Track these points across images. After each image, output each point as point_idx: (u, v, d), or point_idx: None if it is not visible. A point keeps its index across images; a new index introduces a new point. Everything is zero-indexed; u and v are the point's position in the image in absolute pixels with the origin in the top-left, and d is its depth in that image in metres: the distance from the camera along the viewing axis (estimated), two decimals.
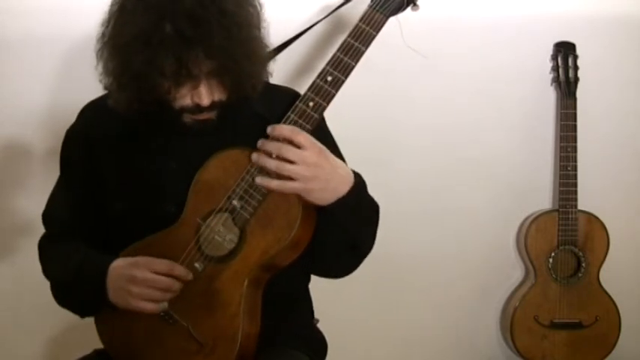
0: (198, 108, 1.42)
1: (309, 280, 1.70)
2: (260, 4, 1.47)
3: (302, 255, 1.46)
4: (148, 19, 1.33)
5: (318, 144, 1.41)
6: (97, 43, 1.43)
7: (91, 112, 1.61)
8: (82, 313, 1.58)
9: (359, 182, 1.46)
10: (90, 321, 1.56)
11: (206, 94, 1.40)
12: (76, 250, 1.55)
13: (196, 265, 1.44)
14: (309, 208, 1.43)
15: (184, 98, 1.41)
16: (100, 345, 1.57)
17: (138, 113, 1.45)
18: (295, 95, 1.53)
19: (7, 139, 2.17)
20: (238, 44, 1.38)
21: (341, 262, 1.54)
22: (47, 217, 1.64)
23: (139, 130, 1.51)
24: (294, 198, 1.41)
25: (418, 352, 2.44)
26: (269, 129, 1.41)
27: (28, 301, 2.20)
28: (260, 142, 1.41)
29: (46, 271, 1.62)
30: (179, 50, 1.33)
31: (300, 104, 1.42)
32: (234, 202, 1.42)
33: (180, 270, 1.43)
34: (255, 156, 1.41)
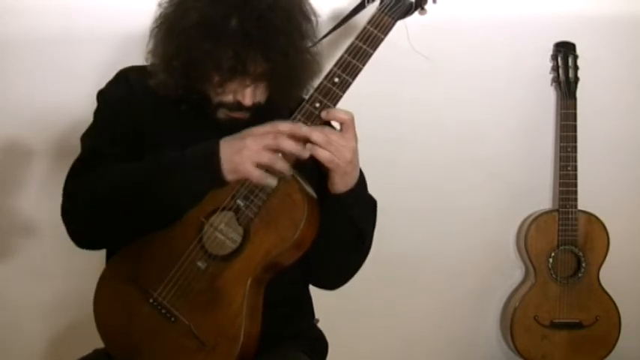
0: (237, 106, 1.43)
1: (308, 283, 1.70)
2: (316, 19, 1.48)
3: (305, 255, 1.46)
4: (215, 9, 1.34)
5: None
6: (154, 22, 1.43)
7: (134, 76, 1.56)
8: (157, 222, 1.46)
9: (362, 175, 1.50)
10: (90, 321, 1.55)
11: (250, 95, 1.42)
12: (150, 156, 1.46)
13: (199, 263, 1.44)
14: (314, 207, 1.43)
15: (227, 94, 1.42)
16: (100, 345, 1.57)
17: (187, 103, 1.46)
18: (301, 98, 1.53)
19: (7, 139, 2.16)
20: (297, 54, 1.40)
21: (349, 256, 1.55)
22: (92, 152, 1.52)
23: (174, 112, 1.51)
24: (298, 197, 1.41)
25: (418, 351, 2.44)
26: (323, 113, 1.41)
27: (28, 301, 2.20)
28: (306, 129, 1.39)
29: (113, 182, 1.45)
30: (240, 47, 1.34)
31: (307, 105, 1.42)
32: (239, 202, 1.42)
33: (283, 125, 1.36)
34: (306, 129, 1.38)
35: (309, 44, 1.46)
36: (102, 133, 1.55)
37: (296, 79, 1.45)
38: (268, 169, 1.35)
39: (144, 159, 1.46)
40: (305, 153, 1.36)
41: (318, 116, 1.41)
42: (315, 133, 1.39)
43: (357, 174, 1.46)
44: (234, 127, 1.45)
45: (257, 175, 1.34)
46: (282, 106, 1.47)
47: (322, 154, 1.40)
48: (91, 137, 1.56)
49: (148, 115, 1.53)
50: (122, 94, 1.54)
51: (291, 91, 1.46)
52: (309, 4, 1.47)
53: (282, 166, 1.35)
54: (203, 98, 1.44)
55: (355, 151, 1.42)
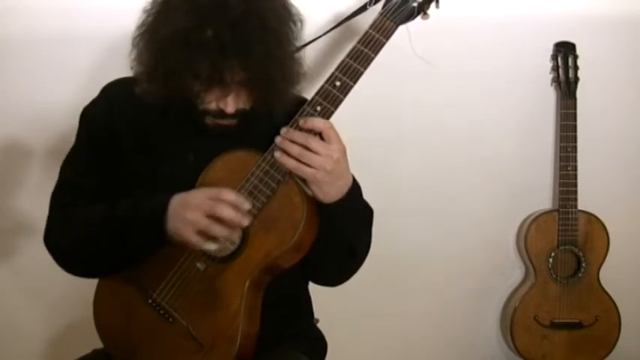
0: (221, 114, 1.43)
1: (308, 280, 1.71)
2: (301, 22, 1.47)
3: (304, 258, 1.46)
4: (191, 19, 1.33)
5: (343, 142, 1.42)
6: (136, 30, 1.43)
7: (116, 90, 1.58)
8: (123, 264, 1.52)
9: (356, 184, 1.49)
10: (90, 321, 1.56)
11: (232, 102, 1.42)
12: (111, 202, 1.51)
13: (198, 264, 1.44)
14: (313, 210, 1.43)
15: (210, 102, 1.42)
16: (99, 345, 1.57)
17: (173, 111, 1.45)
18: (301, 98, 1.53)
19: (7, 139, 2.16)
20: (275, 61, 1.39)
21: (339, 266, 1.55)
22: (69, 185, 1.59)
23: (164, 117, 1.50)
24: (298, 200, 1.41)
25: (418, 351, 2.44)
26: (301, 121, 1.41)
27: (28, 301, 2.20)
28: (284, 130, 1.41)
29: (69, 229, 1.54)
30: (215, 57, 1.33)
31: (308, 108, 1.43)
32: None
33: (228, 194, 1.38)
34: (279, 139, 1.41)
35: (292, 48, 1.45)
36: (78, 162, 1.59)
37: (277, 84, 1.43)
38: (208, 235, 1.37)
39: (107, 205, 1.50)
40: (244, 221, 1.38)
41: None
42: (284, 142, 1.40)
43: (343, 184, 1.44)
44: (222, 133, 1.46)
45: (195, 241, 1.37)
46: (270, 110, 1.46)
47: (287, 163, 1.40)
48: (68, 167, 1.60)
49: (136, 124, 1.53)
50: (101, 113, 1.56)
51: (274, 96, 1.44)
52: (291, 8, 1.45)
53: (219, 231, 1.37)
54: (189, 106, 1.44)
55: (337, 162, 1.40)
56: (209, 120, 1.45)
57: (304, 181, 1.43)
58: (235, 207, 1.37)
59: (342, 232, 1.47)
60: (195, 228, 1.36)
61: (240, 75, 1.38)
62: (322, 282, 1.63)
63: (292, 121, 1.43)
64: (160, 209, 1.41)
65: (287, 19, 1.43)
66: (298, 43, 1.47)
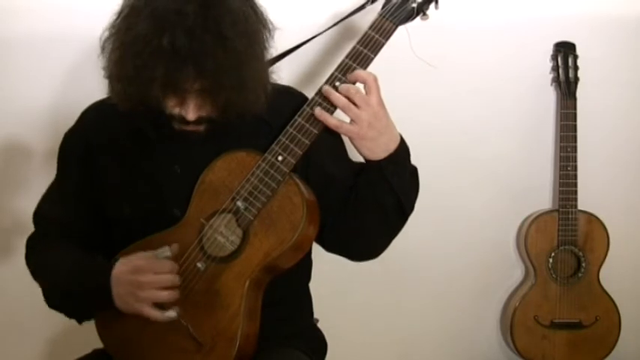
0: (183, 120, 1.41)
1: (309, 279, 1.71)
2: (272, 27, 1.46)
3: (304, 258, 1.47)
4: (149, 26, 1.32)
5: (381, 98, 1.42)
6: (104, 32, 1.43)
7: (92, 115, 1.61)
8: (79, 319, 1.58)
9: (404, 143, 1.48)
10: (90, 321, 1.57)
11: (193, 110, 1.40)
12: (67, 255, 1.55)
13: (198, 264, 1.45)
14: (313, 210, 1.43)
15: (173, 108, 1.41)
16: (99, 345, 1.57)
17: (141, 116, 1.45)
18: (300, 97, 1.53)
19: (7, 139, 2.16)
20: (233, 70, 1.36)
21: (387, 226, 1.54)
22: (39, 216, 1.64)
23: (142, 134, 1.50)
24: (298, 200, 1.42)
25: (418, 351, 2.44)
26: (349, 74, 1.41)
27: (28, 301, 2.18)
28: (326, 88, 1.42)
29: (37, 274, 1.61)
30: (170, 64, 1.32)
31: (308, 108, 1.43)
32: (239, 204, 1.43)
33: (175, 281, 1.43)
34: (326, 88, 1.41)
35: (256, 56, 1.42)
36: (53, 193, 1.64)
37: (238, 94, 1.39)
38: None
39: (64, 253, 1.56)
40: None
41: (318, 119, 1.42)
42: (330, 92, 1.40)
43: (389, 141, 1.45)
44: (190, 139, 1.46)
45: (157, 315, 1.41)
46: (235, 118, 1.44)
47: (328, 120, 1.41)
48: (43, 197, 1.65)
49: (116, 143, 1.55)
50: (76, 140, 1.60)
51: (237, 105, 1.41)
52: (258, 15, 1.44)
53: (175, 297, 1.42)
54: (155, 111, 1.43)
55: (376, 115, 1.41)
56: (176, 125, 1.45)
57: (313, 177, 1.43)
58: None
59: (390, 190, 1.47)
60: (153, 301, 1.41)
61: (197, 83, 1.36)
62: (364, 249, 1.61)
63: (292, 121, 1.43)
64: (105, 288, 1.45)
65: (251, 27, 1.40)
66: (267, 50, 1.45)
